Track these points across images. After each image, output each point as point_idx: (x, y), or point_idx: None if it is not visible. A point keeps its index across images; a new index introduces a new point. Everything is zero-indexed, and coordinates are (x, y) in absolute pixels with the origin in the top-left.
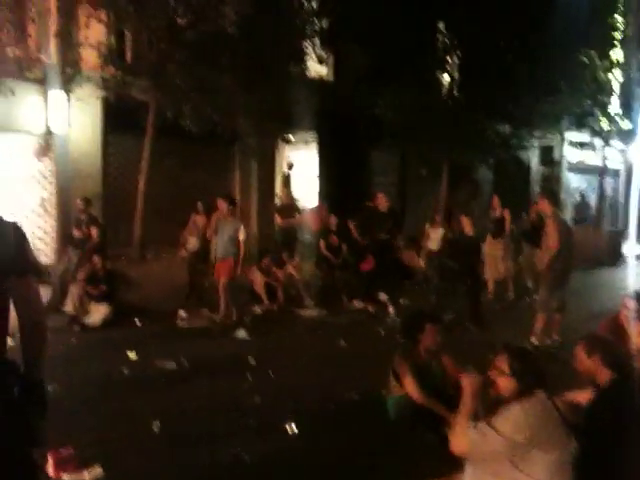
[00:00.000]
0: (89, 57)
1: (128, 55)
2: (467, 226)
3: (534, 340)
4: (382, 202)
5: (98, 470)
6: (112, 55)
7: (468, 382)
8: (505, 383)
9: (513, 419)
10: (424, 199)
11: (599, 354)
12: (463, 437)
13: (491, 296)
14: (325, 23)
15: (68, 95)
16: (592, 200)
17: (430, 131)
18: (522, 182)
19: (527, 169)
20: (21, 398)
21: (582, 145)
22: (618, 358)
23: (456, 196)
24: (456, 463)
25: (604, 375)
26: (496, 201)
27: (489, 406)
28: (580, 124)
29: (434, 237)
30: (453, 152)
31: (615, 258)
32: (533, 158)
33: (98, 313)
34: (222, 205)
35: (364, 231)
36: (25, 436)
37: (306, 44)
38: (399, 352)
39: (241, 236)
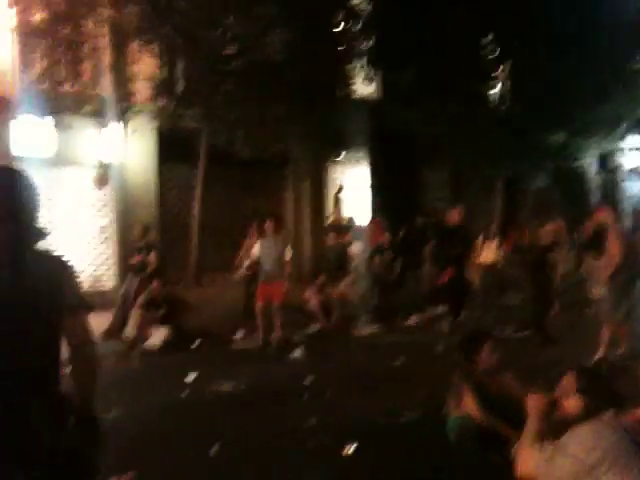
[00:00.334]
0: (142, 89)
1: (179, 86)
2: (546, 236)
3: (600, 352)
4: (455, 217)
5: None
6: (164, 87)
7: (533, 403)
8: (572, 403)
9: (582, 440)
10: (477, 214)
11: None
12: (528, 460)
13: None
14: (370, 42)
15: (124, 127)
16: None
17: (481, 144)
18: (580, 190)
19: (585, 177)
20: (75, 431)
21: None
22: None
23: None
24: None
25: None
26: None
27: (555, 427)
28: (638, 129)
29: (489, 251)
30: (506, 165)
31: None
32: (591, 165)
33: (158, 337)
34: (269, 225)
35: (440, 249)
36: (80, 469)
37: (352, 65)
38: (458, 372)
39: (288, 256)
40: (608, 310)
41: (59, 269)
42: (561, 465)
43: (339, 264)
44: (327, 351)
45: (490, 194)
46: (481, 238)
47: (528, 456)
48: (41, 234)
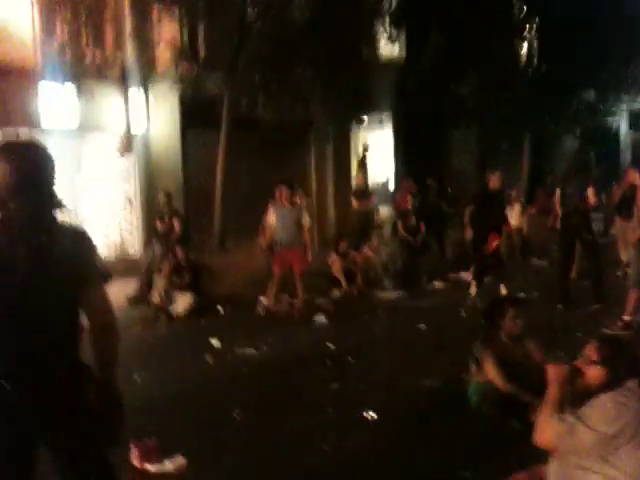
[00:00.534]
0: (164, 55)
1: (202, 50)
2: (592, 197)
3: (626, 317)
4: (496, 183)
5: (182, 460)
6: (186, 51)
7: (554, 371)
8: (594, 372)
9: (603, 410)
10: (504, 176)
11: None
12: (548, 429)
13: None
14: (394, 2)
15: (146, 93)
16: None
17: (509, 104)
18: (611, 149)
19: (616, 135)
20: (96, 400)
21: None
22: None
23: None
24: (541, 453)
25: None
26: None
27: (577, 397)
28: None
29: (511, 214)
30: (535, 125)
31: None
32: (622, 123)
33: (183, 303)
34: (283, 191)
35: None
36: (101, 437)
37: (377, 24)
38: (480, 337)
39: (305, 222)
40: (636, 273)
41: (78, 239)
42: (581, 436)
43: (363, 228)
44: (350, 316)
45: (518, 155)
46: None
47: (548, 425)
48: (60, 204)
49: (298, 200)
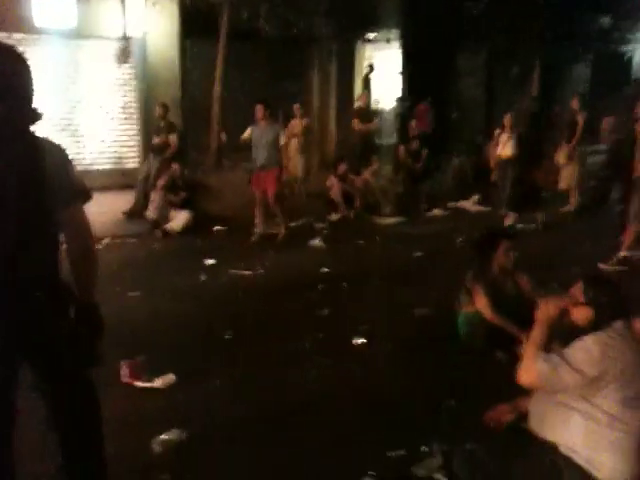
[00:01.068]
0: None
1: None
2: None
3: (624, 252)
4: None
5: (171, 377)
6: None
7: (542, 310)
8: (580, 312)
9: (587, 351)
10: (512, 101)
11: None
12: (532, 369)
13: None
14: None
15: None
16: None
17: (520, 25)
18: (623, 79)
19: (629, 65)
20: (76, 320)
21: None
22: None
23: None
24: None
25: None
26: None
27: (563, 336)
28: None
29: (507, 144)
30: (545, 48)
31: None
32: (637, 52)
33: (178, 220)
34: (259, 110)
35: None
36: (81, 356)
37: None
38: (472, 269)
39: (282, 142)
40: (636, 210)
41: (56, 157)
42: (564, 376)
43: (364, 151)
44: (347, 240)
45: (526, 81)
46: (498, 130)
47: (532, 365)
48: (37, 117)
49: (300, 121)
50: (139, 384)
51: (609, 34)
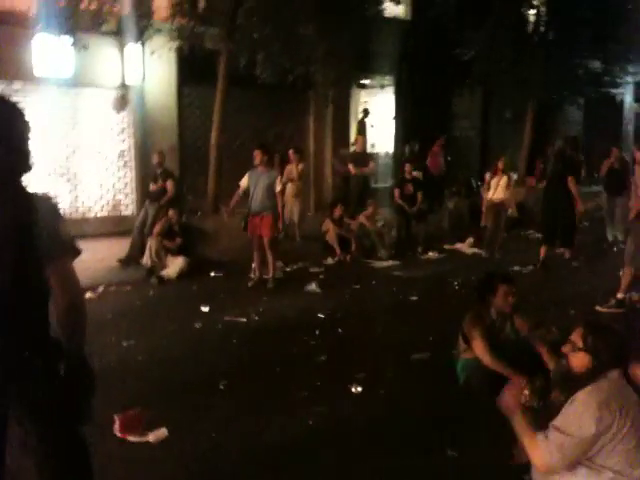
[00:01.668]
0: (161, 7)
1: (200, 4)
2: None
3: (620, 295)
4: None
5: (163, 431)
6: (184, 4)
7: (505, 405)
8: (578, 359)
9: (580, 416)
10: (506, 143)
11: None
12: (538, 454)
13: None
14: None
15: (142, 47)
16: None
17: (514, 70)
18: (614, 121)
19: (619, 107)
20: (65, 377)
21: None
22: None
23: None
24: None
25: None
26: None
27: (563, 382)
28: None
29: (499, 188)
30: (539, 92)
31: None
32: (626, 95)
33: (174, 266)
34: (257, 155)
35: None
36: (70, 414)
37: None
38: (470, 314)
39: (278, 188)
40: (631, 252)
41: (46, 211)
42: (573, 451)
43: (359, 195)
44: (343, 284)
45: (520, 124)
46: (489, 174)
47: (538, 451)
48: (27, 168)
49: (295, 166)
50: (132, 438)
51: (600, 78)
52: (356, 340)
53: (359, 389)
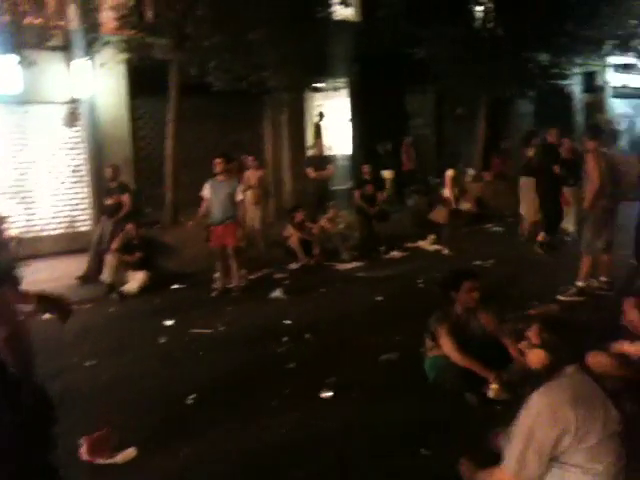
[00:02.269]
0: (109, 20)
1: (148, 15)
2: None
3: (580, 283)
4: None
5: (131, 452)
6: (131, 16)
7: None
8: (535, 356)
9: (534, 421)
10: (461, 140)
11: None
12: (507, 474)
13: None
14: None
15: (91, 60)
16: (638, 125)
17: (465, 67)
18: (565, 112)
19: (569, 98)
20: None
21: (626, 68)
22: None
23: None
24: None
25: None
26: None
27: (521, 378)
28: (624, 46)
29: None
30: (490, 87)
31: None
32: (575, 86)
33: (135, 281)
34: (217, 164)
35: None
36: (34, 443)
37: None
38: (436, 312)
39: (239, 196)
40: (588, 240)
41: None
42: (535, 460)
43: (320, 199)
44: (308, 289)
45: (473, 120)
46: (448, 172)
47: (502, 474)
48: None
49: (254, 172)
50: (100, 461)
51: (549, 71)
52: (324, 344)
53: (329, 394)
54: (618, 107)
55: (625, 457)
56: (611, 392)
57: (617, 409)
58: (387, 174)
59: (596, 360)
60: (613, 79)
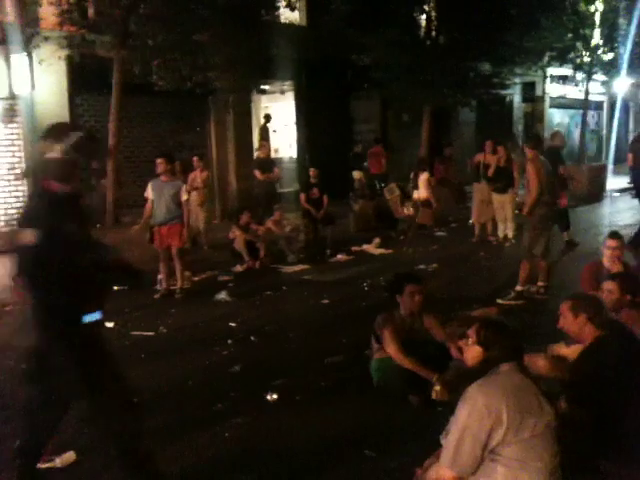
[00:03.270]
0: (49, 15)
1: (90, 11)
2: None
3: (519, 287)
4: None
5: (70, 455)
6: (73, 12)
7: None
8: (472, 353)
9: (469, 412)
10: (406, 145)
11: (585, 313)
12: (444, 466)
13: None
14: None
15: (30, 56)
16: (576, 135)
17: (409, 74)
18: (505, 121)
19: (509, 107)
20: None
21: (564, 79)
22: (604, 316)
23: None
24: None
25: (590, 333)
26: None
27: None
28: (562, 58)
29: (422, 187)
30: (433, 95)
31: (599, 194)
32: (515, 95)
33: None
34: (160, 164)
35: None
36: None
37: None
38: (381, 314)
39: (184, 197)
40: (527, 246)
41: None
42: (470, 454)
43: (266, 201)
44: (254, 291)
45: (417, 127)
46: (422, 175)
47: (441, 466)
48: None
49: (199, 173)
50: (39, 465)
51: (490, 80)
52: (270, 347)
53: (275, 397)
54: (556, 117)
55: (560, 454)
56: (547, 392)
57: (552, 408)
58: (357, 174)
59: (532, 361)
60: (551, 90)
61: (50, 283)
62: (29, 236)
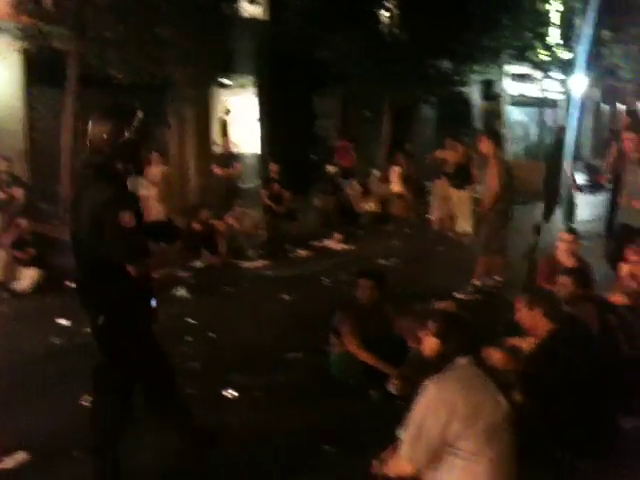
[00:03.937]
0: (3, 5)
1: (46, 1)
2: None
3: (476, 281)
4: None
5: (22, 456)
6: (28, 2)
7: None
8: (430, 344)
9: (426, 405)
10: (368, 141)
11: (540, 308)
12: (401, 458)
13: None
14: None
15: None
16: (533, 132)
17: (370, 71)
18: (464, 118)
19: (468, 105)
20: None
21: (522, 77)
22: (559, 310)
23: None
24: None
25: (545, 327)
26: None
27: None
28: (520, 56)
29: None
30: (394, 91)
31: (556, 192)
32: (474, 93)
33: (27, 278)
34: None
35: None
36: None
37: None
38: (340, 309)
39: (142, 193)
40: (485, 241)
41: None
42: (424, 436)
43: (226, 196)
44: (213, 287)
45: (378, 124)
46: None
47: (398, 459)
48: None
49: (158, 169)
50: None
51: (450, 77)
52: (229, 344)
53: (234, 394)
54: (514, 115)
55: (515, 446)
56: (503, 385)
57: (508, 400)
58: (331, 168)
59: (489, 355)
60: (510, 88)
61: None
62: None
